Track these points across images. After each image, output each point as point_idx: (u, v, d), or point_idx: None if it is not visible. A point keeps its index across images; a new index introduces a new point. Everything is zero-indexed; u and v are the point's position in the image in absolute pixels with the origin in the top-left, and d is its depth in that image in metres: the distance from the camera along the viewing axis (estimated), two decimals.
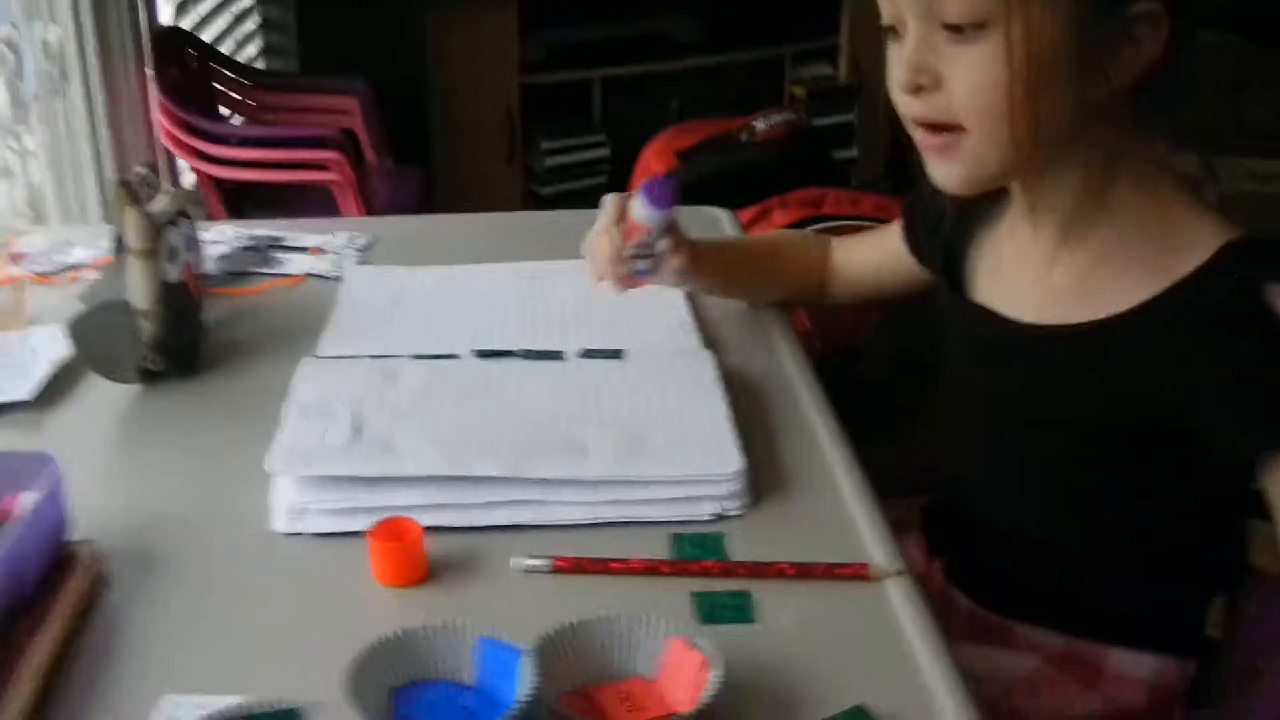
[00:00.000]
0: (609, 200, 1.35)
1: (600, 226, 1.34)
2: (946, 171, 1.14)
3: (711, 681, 0.86)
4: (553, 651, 0.89)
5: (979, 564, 1.30)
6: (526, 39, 4.28)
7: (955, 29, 1.07)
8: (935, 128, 1.12)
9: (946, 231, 1.32)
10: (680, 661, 0.89)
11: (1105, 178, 1.13)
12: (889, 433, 1.66)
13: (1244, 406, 1.06)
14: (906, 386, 1.71)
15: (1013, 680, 1.24)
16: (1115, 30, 1.05)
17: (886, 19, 1.13)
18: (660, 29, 4.56)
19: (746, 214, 2.29)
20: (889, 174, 1.26)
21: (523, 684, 0.85)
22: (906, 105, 1.13)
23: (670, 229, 1.34)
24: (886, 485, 1.39)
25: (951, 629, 1.04)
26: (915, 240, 1.41)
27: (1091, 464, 1.18)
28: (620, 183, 3.62)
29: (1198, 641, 1.25)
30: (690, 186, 2.53)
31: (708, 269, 1.43)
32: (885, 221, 1.50)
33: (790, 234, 1.84)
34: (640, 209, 1.30)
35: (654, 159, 2.87)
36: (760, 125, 2.79)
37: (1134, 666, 1.22)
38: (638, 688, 0.90)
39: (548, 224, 1.89)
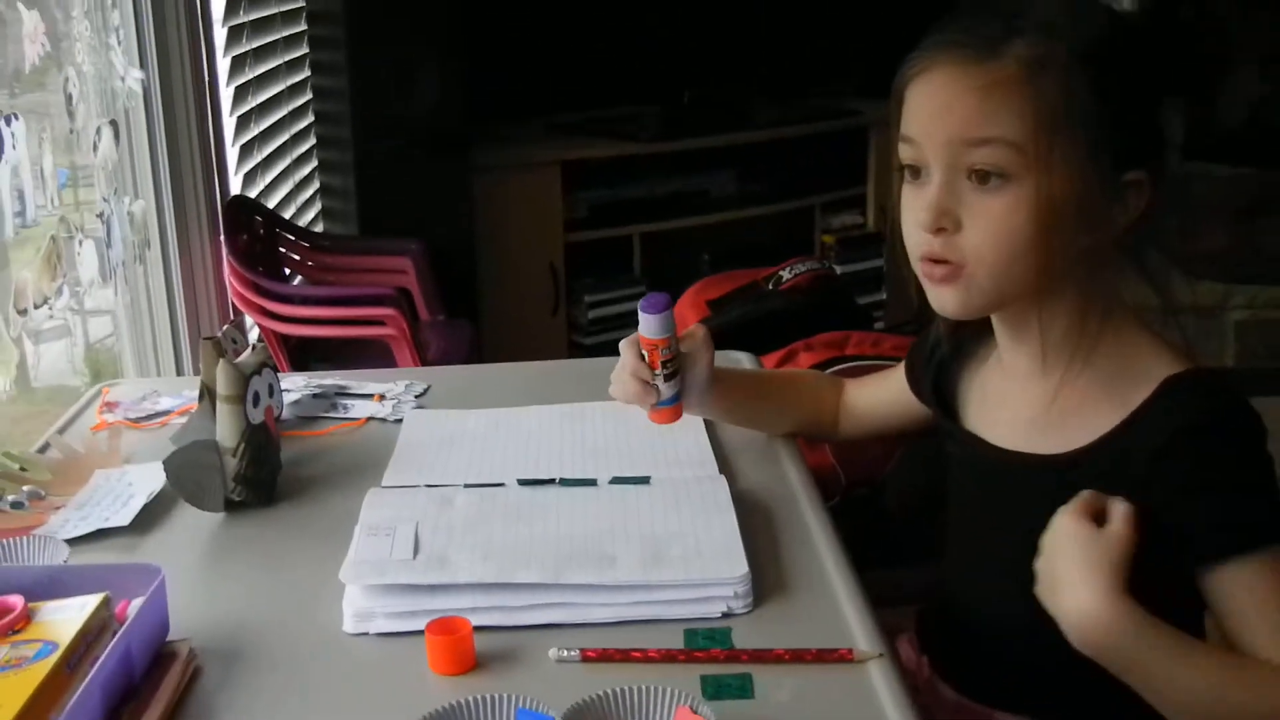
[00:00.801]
0: (624, 345, 1.52)
1: (622, 368, 1.52)
2: (946, 297, 1.30)
3: None
4: (579, 718, 1.05)
5: (964, 659, 1.45)
6: (570, 198, 4.51)
7: (982, 178, 1.24)
8: (940, 261, 1.28)
9: (937, 361, 1.50)
10: None
11: (1083, 315, 1.30)
12: (911, 560, 1.81)
13: (1184, 525, 1.22)
14: (927, 518, 1.84)
15: None
16: (1110, 191, 1.23)
17: (906, 159, 1.29)
18: (696, 186, 4.78)
19: (774, 357, 2.44)
20: (919, 314, 1.40)
21: None
22: (924, 243, 1.28)
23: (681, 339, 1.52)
24: (892, 596, 1.56)
25: (937, 718, 1.19)
26: (915, 379, 1.57)
27: None
28: None
29: None
30: (721, 334, 2.70)
31: (727, 390, 1.60)
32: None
33: (806, 372, 1.98)
34: (644, 324, 1.48)
35: (687, 310, 3.05)
36: (786, 274, 2.96)
37: None
38: None
39: (587, 370, 2.04)
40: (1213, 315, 4.61)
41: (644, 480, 1.54)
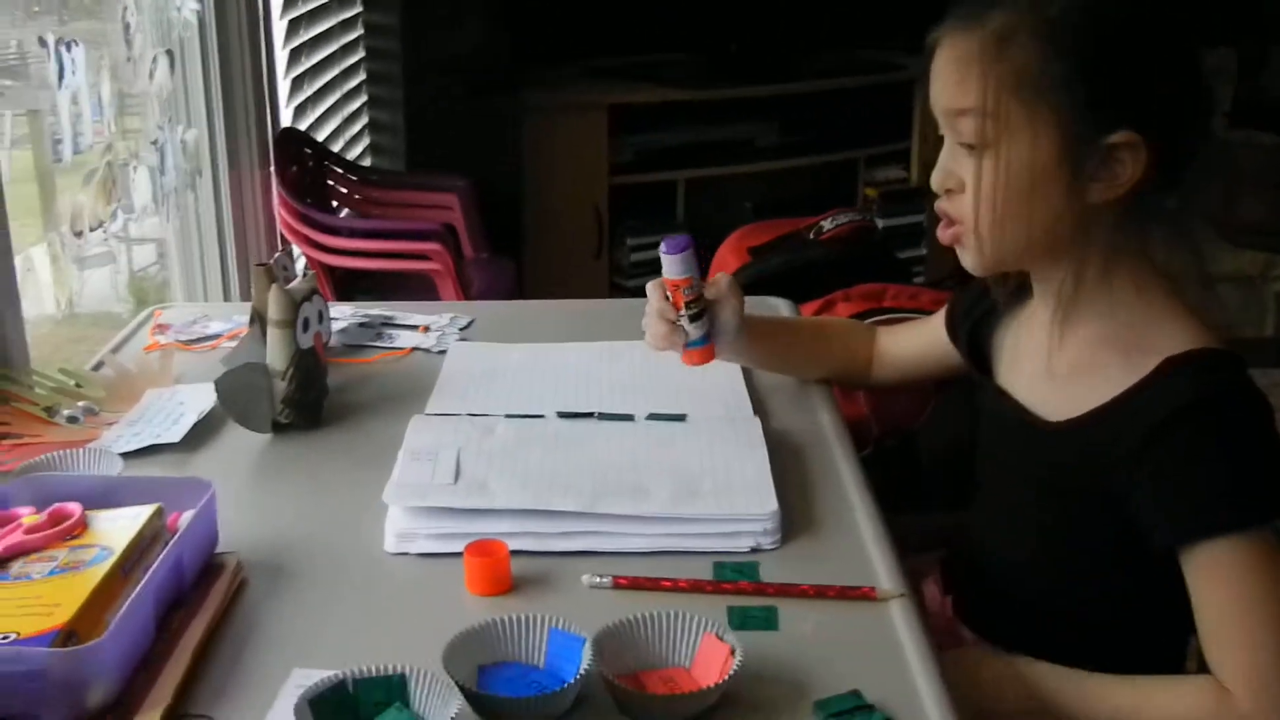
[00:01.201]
0: (650, 287, 1.56)
1: (649, 311, 1.56)
2: (962, 254, 1.37)
3: (735, 666, 1.06)
4: (609, 640, 1.10)
5: (984, 603, 1.50)
6: (616, 142, 4.53)
7: (969, 145, 1.30)
8: (948, 220, 1.35)
9: (978, 314, 1.53)
10: (711, 651, 1.10)
11: (1100, 275, 1.33)
12: (939, 507, 1.85)
13: (1165, 505, 1.26)
14: (957, 468, 1.88)
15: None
16: (1098, 155, 1.26)
17: (941, 129, 1.36)
18: (742, 134, 4.80)
19: (812, 306, 2.47)
20: (957, 270, 1.43)
21: (583, 663, 1.06)
22: (939, 201, 1.36)
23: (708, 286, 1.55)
24: (919, 541, 1.60)
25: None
26: (954, 328, 1.61)
27: (1084, 533, 1.36)
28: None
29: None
30: (761, 281, 2.73)
31: (759, 336, 1.64)
32: None
33: (838, 319, 2.01)
34: (666, 266, 1.51)
35: (728, 255, 3.08)
36: (827, 225, 2.98)
37: None
38: (677, 674, 1.11)
39: (627, 309, 2.05)
40: (1254, 284, 4.60)
41: (680, 418, 1.58)
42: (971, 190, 1.31)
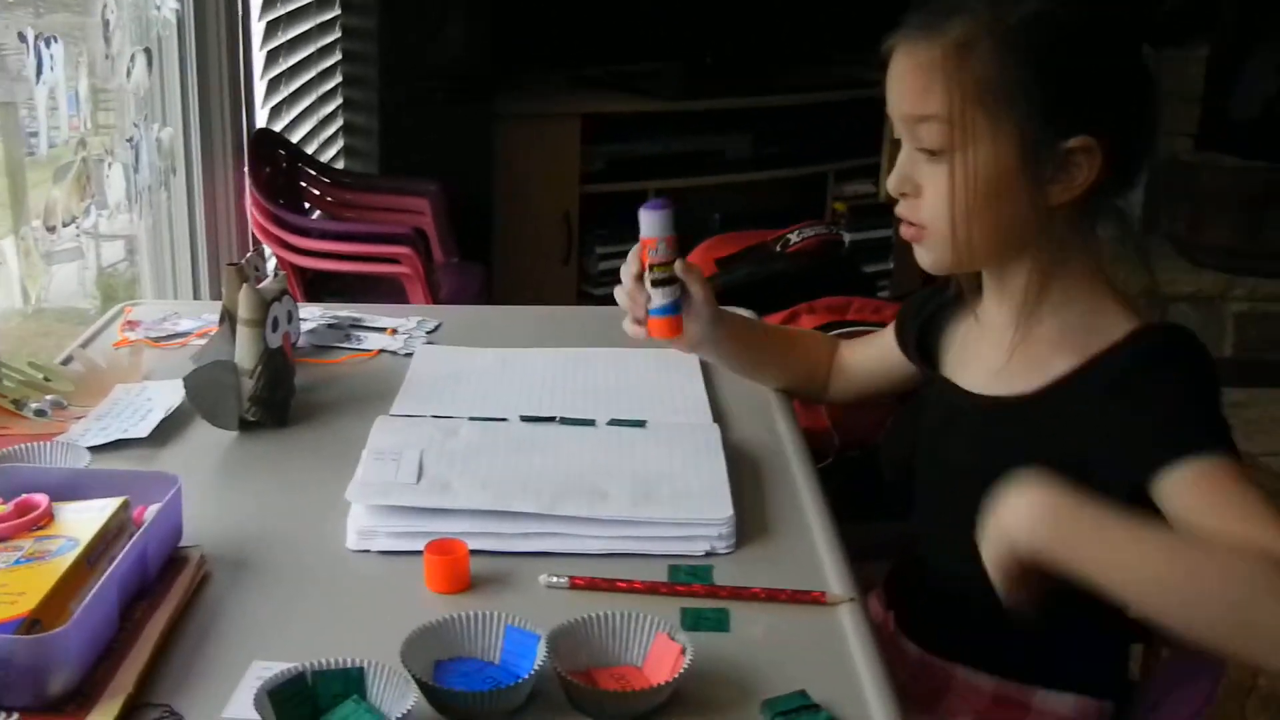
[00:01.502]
0: (631, 252, 1.60)
1: (625, 276, 1.59)
2: (919, 254, 1.41)
3: (686, 664, 1.09)
4: (563, 638, 1.12)
5: (926, 614, 1.53)
6: (588, 151, 4.56)
7: (929, 151, 1.34)
8: (909, 223, 1.40)
9: (926, 316, 1.57)
10: (663, 651, 1.13)
11: (1054, 274, 1.37)
12: (890, 517, 1.88)
13: (1142, 436, 1.28)
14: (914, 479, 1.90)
15: None
16: (1056, 159, 1.31)
17: (897, 134, 1.40)
18: (712, 146, 4.83)
19: (777, 317, 2.50)
20: (925, 285, 1.47)
21: (537, 659, 1.09)
22: (898, 205, 1.40)
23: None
24: (869, 551, 1.63)
25: (898, 674, 1.25)
26: (903, 335, 1.64)
27: None
28: None
29: (1116, 684, 1.46)
30: (726, 292, 2.76)
31: (732, 331, 1.67)
32: None
33: (805, 330, 2.04)
34: (643, 224, 1.55)
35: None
36: (794, 238, 3.02)
37: (1057, 706, 1.43)
38: (629, 672, 1.14)
39: (594, 317, 2.10)
40: (1214, 305, 4.66)
41: (640, 424, 1.61)
42: (935, 195, 1.35)
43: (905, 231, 1.41)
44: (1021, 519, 1.19)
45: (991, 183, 1.32)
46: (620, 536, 1.36)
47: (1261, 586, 1.10)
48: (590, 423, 1.61)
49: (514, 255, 4.44)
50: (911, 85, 1.34)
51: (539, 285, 4.41)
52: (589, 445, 1.54)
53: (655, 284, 1.56)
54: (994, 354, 1.43)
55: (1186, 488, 1.23)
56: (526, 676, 1.07)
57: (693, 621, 1.23)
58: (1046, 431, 1.35)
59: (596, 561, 1.33)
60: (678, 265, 1.57)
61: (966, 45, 1.30)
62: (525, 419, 1.62)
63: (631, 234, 1.59)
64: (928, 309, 1.58)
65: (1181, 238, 4.80)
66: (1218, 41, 4.94)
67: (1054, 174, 1.31)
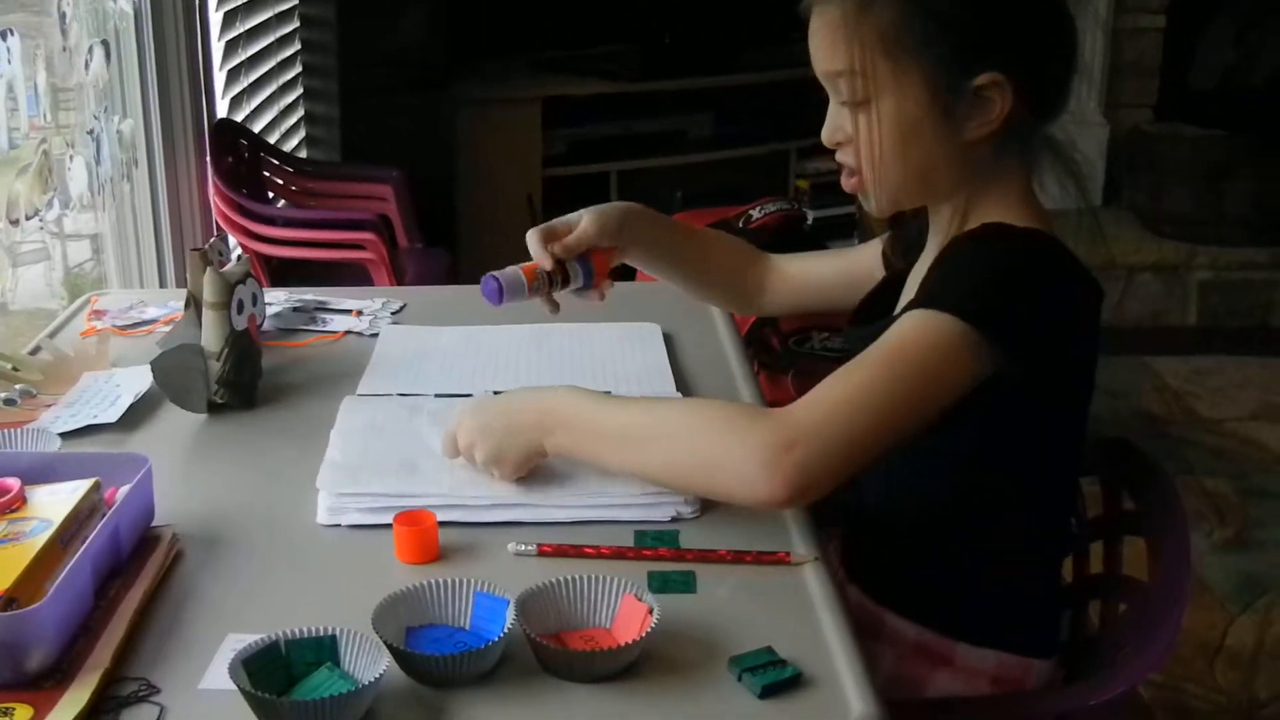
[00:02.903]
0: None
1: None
2: (864, 203, 1.46)
3: (653, 624, 1.12)
4: (532, 602, 1.15)
5: (865, 557, 1.55)
6: (549, 134, 4.58)
7: (850, 104, 1.39)
8: (850, 170, 1.43)
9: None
10: (630, 612, 1.15)
11: (985, 204, 1.40)
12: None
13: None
14: None
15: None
16: (967, 97, 1.35)
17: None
18: (674, 126, 4.86)
19: None
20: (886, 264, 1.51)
21: (506, 623, 1.11)
22: (837, 154, 1.44)
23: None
24: (831, 516, 1.64)
25: None
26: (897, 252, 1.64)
27: (944, 438, 1.36)
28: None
29: (1045, 643, 1.48)
30: None
31: (646, 231, 1.72)
32: None
33: (729, 237, 1.94)
34: (507, 296, 1.61)
35: None
36: (756, 214, 3.05)
37: (978, 662, 1.45)
38: (598, 634, 1.16)
39: (557, 297, 2.13)
40: (1177, 274, 4.71)
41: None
42: (861, 144, 1.39)
43: (846, 183, 1.45)
44: (550, 444, 1.37)
45: (907, 127, 1.37)
46: (587, 505, 1.38)
47: (700, 430, 1.30)
48: None
49: (478, 239, 4.45)
50: (822, 43, 1.39)
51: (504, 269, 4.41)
52: None
53: (554, 288, 1.63)
54: (915, 283, 1.46)
55: (887, 331, 1.31)
56: (496, 639, 1.10)
57: (660, 584, 1.25)
58: None
59: (564, 529, 1.35)
60: (544, 266, 1.64)
61: (867, 0, 1.35)
62: (491, 394, 1.64)
63: None
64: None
65: (1143, 208, 4.85)
66: (1175, 12, 4.99)
67: (968, 111, 1.35)
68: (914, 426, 1.29)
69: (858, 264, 1.69)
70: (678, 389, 1.67)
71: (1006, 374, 1.29)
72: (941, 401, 1.29)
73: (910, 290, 1.47)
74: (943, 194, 1.43)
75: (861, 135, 1.38)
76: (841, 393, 1.27)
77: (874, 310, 1.55)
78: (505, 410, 1.41)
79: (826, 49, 1.39)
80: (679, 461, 1.32)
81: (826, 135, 1.44)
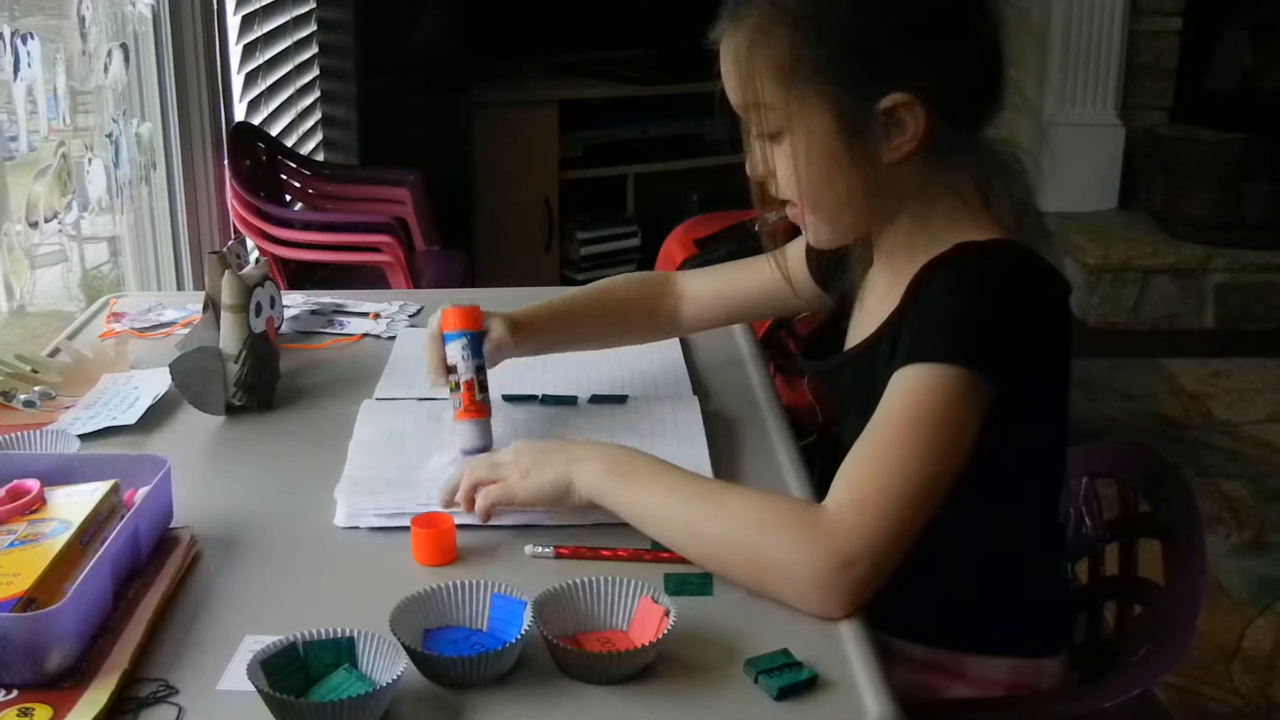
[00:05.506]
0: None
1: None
2: (807, 233, 1.44)
3: (670, 626, 1.12)
4: (549, 603, 1.15)
5: None
6: (566, 137, 4.58)
7: (766, 136, 1.36)
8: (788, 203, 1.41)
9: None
10: (647, 614, 1.16)
11: (919, 220, 1.38)
12: None
13: (900, 344, 1.30)
14: None
15: None
16: (879, 120, 1.31)
17: None
18: (690, 129, 4.85)
19: None
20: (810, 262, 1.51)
21: (524, 625, 1.12)
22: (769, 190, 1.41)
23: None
24: None
25: None
26: (816, 268, 1.63)
27: None
28: (648, 268, 3.90)
29: (1055, 643, 1.47)
30: None
31: (533, 333, 1.62)
32: None
33: (617, 279, 1.86)
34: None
35: (675, 247, 3.14)
36: (771, 216, 3.04)
37: (989, 670, 1.43)
38: (615, 636, 1.17)
39: None
40: (1194, 276, 4.70)
41: (621, 399, 1.64)
42: (783, 175, 1.36)
43: (790, 213, 1.42)
44: (585, 473, 1.32)
45: (824, 157, 1.33)
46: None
47: (754, 534, 1.24)
48: (572, 400, 1.64)
49: (495, 242, 4.46)
50: (730, 76, 1.38)
51: (521, 272, 4.43)
52: (572, 423, 1.57)
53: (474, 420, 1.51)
54: (878, 307, 1.42)
55: (890, 390, 1.28)
56: (513, 641, 1.10)
57: (676, 586, 1.25)
58: (888, 351, 1.34)
59: (581, 532, 1.35)
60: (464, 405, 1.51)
61: (762, 31, 1.33)
62: (507, 398, 1.64)
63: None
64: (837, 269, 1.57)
65: (1159, 211, 4.84)
66: (1191, 14, 4.98)
67: (884, 134, 1.32)
68: (951, 484, 1.26)
69: (781, 269, 1.65)
70: (694, 392, 1.68)
71: (1005, 395, 1.28)
72: (967, 449, 1.26)
73: (870, 310, 1.45)
74: (882, 217, 1.40)
75: (783, 168, 1.36)
76: (884, 484, 1.23)
77: (828, 338, 1.55)
78: (547, 444, 1.41)
79: (733, 83, 1.37)
80: (727, 560, 1.26)
81: (750, 168, 1.40)
